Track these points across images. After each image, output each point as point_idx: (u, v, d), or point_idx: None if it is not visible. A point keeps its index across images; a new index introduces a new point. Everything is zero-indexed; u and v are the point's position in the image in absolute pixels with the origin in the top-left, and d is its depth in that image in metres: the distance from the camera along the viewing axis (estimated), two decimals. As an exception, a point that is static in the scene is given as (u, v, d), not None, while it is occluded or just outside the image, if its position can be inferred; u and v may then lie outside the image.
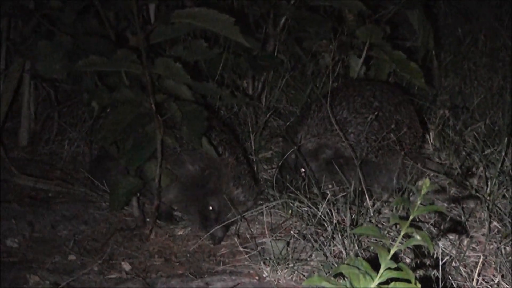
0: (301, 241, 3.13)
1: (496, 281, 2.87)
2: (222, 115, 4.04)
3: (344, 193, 3.37)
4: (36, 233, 3.32)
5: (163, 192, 3.33)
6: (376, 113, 3.52)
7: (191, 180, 3.35)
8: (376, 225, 3.21)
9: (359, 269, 1.95)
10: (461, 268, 2.91)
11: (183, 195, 3.38)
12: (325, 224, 3.11)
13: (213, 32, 3.88)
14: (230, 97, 3.71)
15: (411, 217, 2.00)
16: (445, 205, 3.40)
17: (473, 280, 2.84)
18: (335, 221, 3.09)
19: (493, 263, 2.98)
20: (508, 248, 3.03)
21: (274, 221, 3.38)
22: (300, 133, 3.56)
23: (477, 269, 2.85)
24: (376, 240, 2.97)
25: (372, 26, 4.11)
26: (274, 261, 2.99)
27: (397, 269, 1.94)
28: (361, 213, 3.23)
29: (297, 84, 4.43)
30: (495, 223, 3.20)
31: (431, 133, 4.00)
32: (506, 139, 3.50)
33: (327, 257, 2.98)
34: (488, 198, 3.30)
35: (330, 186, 3.53)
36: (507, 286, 2.85)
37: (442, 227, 3.16)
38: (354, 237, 3.00)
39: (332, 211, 3.15)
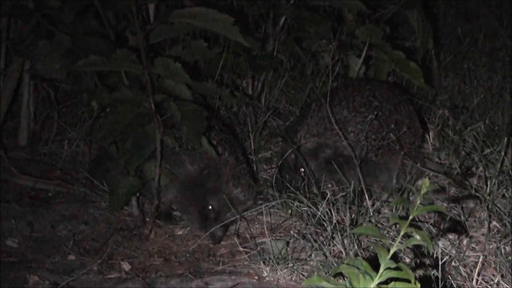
0: (301, 241, 3.12)
1: (495, 281, 2.87)
2: (222, 115, 4.04)
3: (344, 193, 3.37)
4: (35, 233, 3.32)
5: (162, 192, 3.33)
6: (376, 112, 3.52)
7: (190, 179, 3.35)
8: (376, 225, 3.21)
9: (358, 268, 1.95)
10: (460, 267, 2.91)
11: (183, 194, 3.38)
12: (325, 224, 3.11)
13: (212, 32, 3.88)
14: (229, 97, 3.71)
15: (410, 217, 2.00)
16: (445, 204, 3.40)
17: (472, 279, 2.84)
18: (334, 221, 3.09)
19: (492, 262, 2.98)
20: (507, 248, 3.03)
21: (274, 221, 3.38)
22: (300, 132, 3.56)
23: (477, 269, 2.85)
24: (375, 239, 2.97)
25: (371, 26, 4.11)
26: (274, 261, 2.99)
27: (397, 269, 1.94)
28: (360, 212, 3.23)
29: (297, 84, 4.43)
30: (494, 222, 3.20)
31: (430, 133, 4.00)
32: (506, 139, 3.50)
33: (326, 257, 2.98)
34: (487, 198, 3.30)
35: (329, 185, 3.53)
36: (507, 285, 2.85)
37: (441, 226, 3.16)
38: (354, 236, 3.00)
39: (332, 210, 3.15)
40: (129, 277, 3.00)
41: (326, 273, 2.89)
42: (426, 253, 2.92)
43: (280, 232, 3.28)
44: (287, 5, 4.15)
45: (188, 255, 3.23)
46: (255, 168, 3.76)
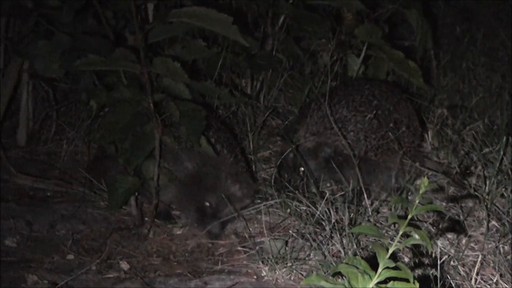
0: (300, 240, 3.12)
1: (494, 280, 2.87)
2: (221, 114, 4.04)
3: (343, 192, 3.37)
4: (34, 232, 3.32)
5: (161, 191, 3.33)
6: (375, 111, 3.52)
7: (188, 177, 3.35)
8: (375, 224, 3.21)
9: (357, 268, 1.96)
10: (459, 267, 2.91)
11: (180, 192, 3.38)
12: (324, 223, 3.11)
13: (211, 32, 3.88)
14: (228, 96, 3.71)
15: (409, 216, 2.01)
16: (444, 204, 3.40)
17: (471, 279, 2.84)
18: (333, 220, 3.09)
19: (491, 262, 2.98)
20: (506, 247, 3.03)
21: (273, 220, 3.38)
22: (299, 131, 3.56)
23: (476, 268, 2.85)
24: (374, 239, 2.97)
25: (370, 25, 4.11)
26: (273, 260, 2.99)
27: (396, 268, 1.94)
28: (359, 212, 3.23)
29: (296, 83, 4.43)
30: (493, 222, 3.21)
31: (429, 132, 4.00)
32: (505, 138, 3.50)
33: (325, 256, 2.99)
34: (486, 197, 3.30)
35: (328, 185, 3.53)
36: (506, 285, 2.85)
37: (440, 226, 3.17)
38: (353, 236, 3.00)
39: (331, 210, 3.15)
40: (128, 276, 3.00)
41: (325, 273, 2.89)
42: (425, 252, 2.92)
43: (279, 231, 3.28)
44: (286, 4, 4.15)
45: (187, 254, 3.23)
46: (253, 167, 3.76)
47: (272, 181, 3.51)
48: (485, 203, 3.23)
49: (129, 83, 3.27)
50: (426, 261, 2.89)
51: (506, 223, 3.15)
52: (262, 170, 3.84)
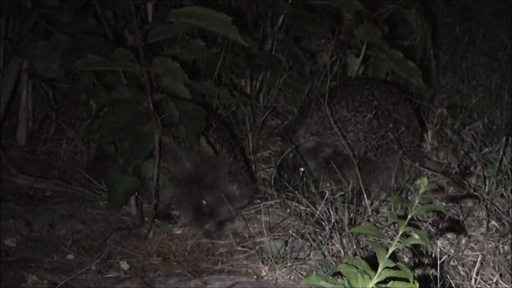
0: (299, 240, 3.12)
1: (494, 280, 2.87)
2: (220, 114, 4.04)
3: (342, 192, 3.37)
4: (34, 232, 3.32)
5: (161, 191, 3.33)
6: (374, 112, 3.52)
7: (187, 176, 3.35)
8: (374, 224, 3.21)
9: (357, 268, 1.96)
10: (459, 267, 2.91)
11: (179, 191, 3.38)
12: (323, 223, 3.11)
13: (211, 31, 3.88)
14: (228, 96, 3.71)
15: (409, 216, 2.01)
16: (443, 204, 3.40)
17: (471, 279, 2.84)
18: (333, 220, 3.09)
19: (491, 262, 2.98)
20: (506, 247, 3.04)
21: (272, 220, 3.38)
22: (299, 132, 3.56)
23: (476, 268, 2.85)
24: (374, 239, 2.97)
25: (370, 25, 4.11)
26: (272, 260, 2.99)
27: (395, 268, 1.94)
28: (359, 212, 3.23)
29: (295, 83, 4.43)
30: (493, 222, 3.21)
31: (429, 132, 4.00)
32: (504, 138, 3.50)
33: (325, 256, 2.99)
34: (486, 197, 3.31)
35: (328, 185, 3.53)
36: (506, 285, 2.85)
37: (440, 226, 3.17)
38: (352, 236, 3.00)
39: (330, 210, 3.15)
40: (128, 276, 3.00)
41: (324, 273, 2.89)
42: (424, 252, 2.92)
43: (279, 231, 3.28)
44: (286, 4, 4.15)
45: (186, 254, 3.23)
46: (253, 167, 3.76)
47: (272, 181, 3.52)
48: (485, 203, 3.23)
49: (129, 83, 3.27)
50: (426, 261, 2.89)
51: (506, 223, 3.15)
52: (261, 170, 3.84)
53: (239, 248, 3.21)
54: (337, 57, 4.19)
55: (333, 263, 2.93)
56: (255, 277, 2.98)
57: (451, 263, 2.93)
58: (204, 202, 3.32)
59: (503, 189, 3.35)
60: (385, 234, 3.06)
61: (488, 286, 2.86)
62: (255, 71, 4.21)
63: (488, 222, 3.16)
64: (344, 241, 3.00)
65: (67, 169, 3.93)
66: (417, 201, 2.02)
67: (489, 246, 3.06)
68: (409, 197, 3.45)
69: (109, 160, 3.46)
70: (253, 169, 3.75)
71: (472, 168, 3.64)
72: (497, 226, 3.19)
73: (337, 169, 3.42)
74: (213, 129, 3.42)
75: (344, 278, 1.97)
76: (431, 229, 3.16)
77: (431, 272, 2.81)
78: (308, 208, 3.26)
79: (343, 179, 3.41)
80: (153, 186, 3.29)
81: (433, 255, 2.88)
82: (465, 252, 3.01)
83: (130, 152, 3.20)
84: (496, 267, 2.94)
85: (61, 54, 3.36)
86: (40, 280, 2.89)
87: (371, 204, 3.29)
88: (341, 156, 3.49)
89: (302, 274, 2.95)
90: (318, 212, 3.16)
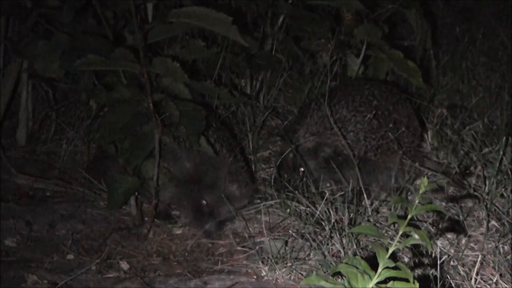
0: (299, 240, 3.12)
1: (494, 280, 2.87)
2: (220, 114, 4.04)
3: (342, 192, 3.37)
4: (34, 232, 3.32)
5: (161, 191, 3.33)
6: (375, 112, 3.52)
7: (187, 176, 3.35)
8: (374, 224, 3.21)
9: (357, 268, 1.96)
10: (459, 267, 2.91)
11: (180, 191, 3.38)
12: (323, 223, 3.11)
13: (211, 31, 3.88)
14: (228, 96, 3.71)
15: (409, 216, 2.01)
16: (443, 204, 3.40)
17: (471, 279, 2.84)
18: (333, 220, 3.09)
19: (491, 262, 2.98)
20: (506, 247, 3.03)
21: (272, 220, 3.38)
22: (299, 132, 3.56)
23: (476, 268, 2.85)
24: (374, 239, 2.97)
25: (370, 25, 4.11)
26: (272, 260, 2.99)
27: (395, 268, 1.94)
28: (359, 212, 3.23)
29: (295, 84, 4.43)
30: (493, 222, 3.21)
31: (429, 132, 4.00)
32: (504, 138, 3.50)
33: (325, 256, 2.99)
34: (486, 197, 3.31)
35: (328, 185, 3.53)
36: (506, 285, 2.85)
37: (440, 226, 3.17)
38: (352, 236, 3.00)
39: (330, 210, 3.15)
40: (128, 276, 3.00)
41: (324, 273, 2.89)
42: (424, 252, 2.92)
43: (279, 231, 3.28)
44: (286, 4, 4.15)
45: (186, 254, 3.23)
46: (253, 167, 3.76)
47: (272, 181, 3.52)
48: (485, 203, 3.23)
49: (129, 83, 3.27)
50: (426, 261, 2.89)
51: (506, 223, 3.15)
52: (261, 170, 3.84)
53: (239, 248, 3.21)
54: (337, 57, 4.19)
55: (333, 263, 2.93)
56: (255, 277, 2.98)
57: (451, 263, 2.93)
58: (204, 202, 3.32)
59: (503, 189, 3.35)
60: (385, 234, 3.06)
61: (488, 286, 2.86)
62: (255, 71, 4.21)
63: (488, 222, 3.16)
64: (344, 241, 3.00)
65: (67, 169, 3.93)
66: (417, 201, 2.02)
67: (489, 246, 3.06)
68: (409, 197, 3.45)
69: (109, 160, 3.46)
70: (253, 169, 3.75)
71: (472, 168, 3.64)
72: (497, 226, 3.19)
73: (337, 169, 3.42)
74: (213, 129, 3.42)
75: (344, 278, 1.97)
76: (431, 229, 3.16)
77: (431, 272, 2.81)
78: (308, 208, 3.26)
79: (343, 179, 3.41)
80: (153, 186, 3.29)
81: (433, 255, 2.88)
82: (465, 252, 3.01)
83: (130, 152, 3.20)
84: (496, 267, 2.94)
85: (61, 54, 3.35)
86: (40, 280, 2.89)
87: (371, 204, 3.29)
88: (341, 156, 3.49)
89: (302, 274, 2.95)
90: (318, 212, 3.16)
